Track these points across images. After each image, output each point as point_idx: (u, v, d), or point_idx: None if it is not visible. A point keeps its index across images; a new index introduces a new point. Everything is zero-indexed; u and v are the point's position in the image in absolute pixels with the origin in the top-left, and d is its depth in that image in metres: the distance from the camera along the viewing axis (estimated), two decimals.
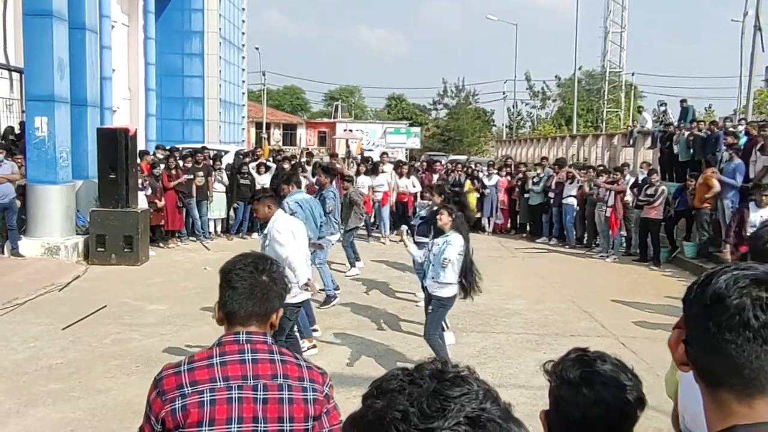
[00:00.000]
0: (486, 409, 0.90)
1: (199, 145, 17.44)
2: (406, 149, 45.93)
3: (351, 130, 49.37)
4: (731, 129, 15.60)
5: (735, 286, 1.15)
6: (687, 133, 16.44)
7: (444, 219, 6.36)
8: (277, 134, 54.24)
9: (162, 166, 13.65)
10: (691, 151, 15.91)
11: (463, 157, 30.45)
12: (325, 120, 59.99)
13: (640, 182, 14.41)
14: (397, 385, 0.94)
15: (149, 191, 12.79)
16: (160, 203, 13.07)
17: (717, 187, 12.17)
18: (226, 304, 2.12)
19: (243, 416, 1.97)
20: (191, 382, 1.96)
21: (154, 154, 14.93)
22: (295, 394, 2.03)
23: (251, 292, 2.10)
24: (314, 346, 7.22)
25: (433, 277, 6.38)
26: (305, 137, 56.45)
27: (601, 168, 16.56)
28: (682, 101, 20.55)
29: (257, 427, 1.98)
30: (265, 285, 2.12)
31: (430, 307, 6.40)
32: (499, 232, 17.21)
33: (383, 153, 21.00)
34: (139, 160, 12.85)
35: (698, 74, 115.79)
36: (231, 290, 2.11)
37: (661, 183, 13.90)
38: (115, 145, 11.68)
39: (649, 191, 13.39)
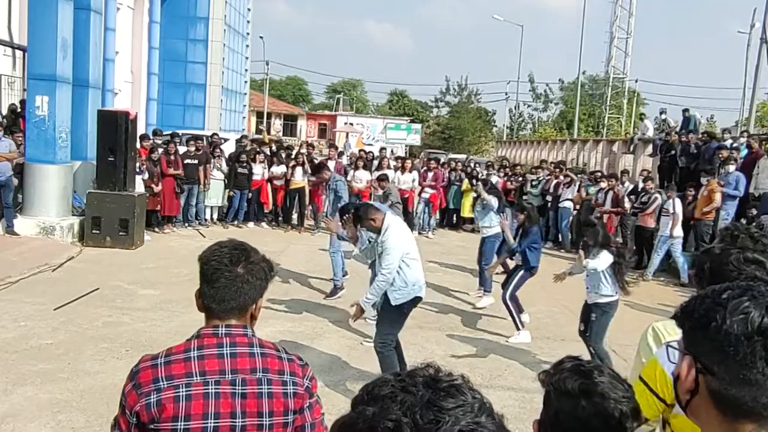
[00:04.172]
0: (481, 422, 0.88)
1: (200, 132, 17.44)
2: (406, 145, 45.88)
3: (352, 124, 49.35)
4: (723, 143, 15.59)
5: None
6: (681, 145, 16.47)
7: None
8: (277, 124, 54.18)
9: (160, 150, 13.61)
10: (695, 162, 15.91)
11: (463, 156, 30.41)
12: (327, 112, 59.95)
13: (639, 190, 14.43)
14: (389, 392, 0.91)
15: (146, 175, 12.77)
16: (157, 188, 13.06)
17: (718, 201, 12.20)
18: (204, 298, 2.08)
19: (220, 411, 1.94)
20: (167, 376, 1.93)
21: (153, 138, 14.88)
22: (274, 388, 2.01)
23: (226, 287, 2.04)
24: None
25: (588, 289, 6.54)
26: (306, 129, 56.42)
27: (599, 174, 16.59)
28: (685, 110, 20.56)
29: (235, 422, 1.95)
30: (241, 278, 2.05)
31: (593, 315, 6.48)
32: None
33: (382, 148, 20.99)
34: (138, 144, 12.83)
35: (702, 84, 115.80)
36: (207, 284, 2.07)
37: (656, 191, 13.92)
38: (115, 128, 11.65)
39: (643, 198, 13.42)
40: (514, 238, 8.57)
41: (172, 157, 13.65)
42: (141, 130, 15.59)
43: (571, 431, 1.75)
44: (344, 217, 6.20)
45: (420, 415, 0.87)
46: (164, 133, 15.66)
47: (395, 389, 0.91)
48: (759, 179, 12.55)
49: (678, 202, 12.70)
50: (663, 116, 22.04)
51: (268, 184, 15.43)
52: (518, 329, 7.96)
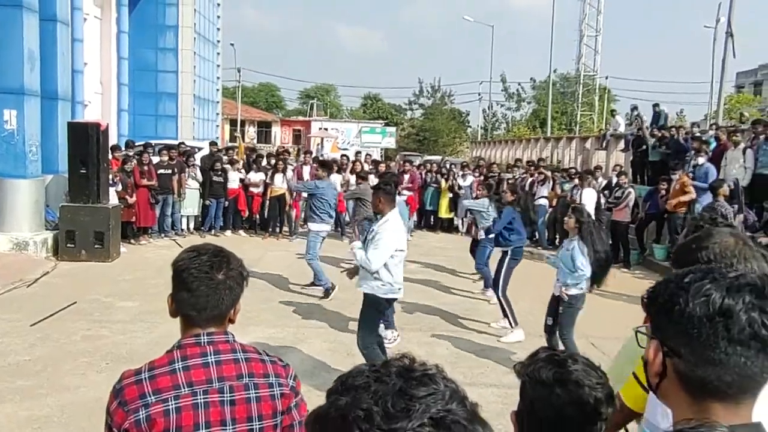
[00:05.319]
0: (452, 410, 0.89)
1: (172, 141, 17.31)
2: (381, 149, 45.90)
3: (326, 129, 49.25)
4: (698, 134, 15.85)
5: (740, 298, 1.15)
6: (654, 139, 16.66)
7: (570, 224, 6.52)
8: (251, 132, 53.96)
9: (133, 161, 13.48)
10: (667, 156, 16.11)
11: (438, 158, 30.51)
12: (300, 118, 59.79)
13: (612, 185, 14.59)
14: (362, 382, 0.92)
15: (120, 187, 12.66)
16: (131, 199, 12.95)
17: (693, 193, 12.39)
18: (183, 306, 2.03)
19: (210, 420, 1.93)
20: (154, 390, 1.91)
21: (126, 149, 14.73)
22: (262, 391, 2.00)
23: (208, 294, 2.01)
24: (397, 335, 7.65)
25: (559, 279, 6.60)
26: (280, 135, 56.24)
27: (573, 170, 16.73)
28: (654, 105, 20.79)
29: (226, 429, 1.94)
30: (222, 285, 2.02)
31: (560, 307, 6.57)
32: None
33: (357, 152, 21.03)
34: (110, 156, 12.72)
35: (671, 79, 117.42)
36: (187, 292, 2.01)
37: (630, 185, 14.09)
38: (86, 140, 11.54)
39: (617, 193, 13.58)
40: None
41: (146, 168, 13.54)
42: (113, 141, 15.45)
43: (546, 420, 1.77)
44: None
45: (391, 404, 0.87)
46: (137, 144, 15.51)
47: (369, 379, 0.92)
48: (727, 170, 12.72)
49: (587, 192, 13.33)
50: (635, 112, 22.24)
51: (245, 191, 15.38)
52: (511, 326, 8.08)
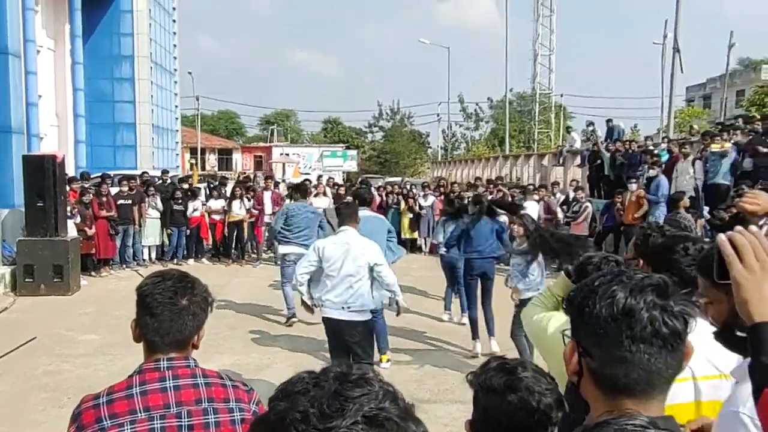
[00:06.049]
0: (384, 408, 0.92)
1: (132, 172, 17.20)
2: (343, 172, 45.97)
3: (287, 154, 49.17)
4: (650, 147, 16.27)
5: (642, 298, 1.23)
6: (609, 154, 17.03)
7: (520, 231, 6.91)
8: (212, 159, 53.68)
9: (91, 193, 13.33)
10: (621, 170, 16.47)
11: (398, 179, 30.70)
12: (261, 144, 59.71)
13: (570, 200, 14.85)
14: (301, 388, 0.96)
15: (78, 219, 12.51)
16: (90, 231, 12.80)
17: (647, 206, 12.72)
18: (146, 331, 2.04)
19: None
20: (110, 415, 1.91)
21: (82, 182, 14.58)
22: (221, 416, 2.01)
23: (172, 320, 2.02)
24: (388, 360, 7.57)
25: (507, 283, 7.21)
26: (241, 162, 56.04)
27: (531, 187, 17.01)
28: (608, 121, 21.26)
29: None
30: (186, 310, 2.03)
31: (516, 309, 6.92)
32: (436, 252, 17.35)
33: (320, 176, 21.08)
34: (67, 188, 12.58)
35: (625, 95, 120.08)
36: (151, 317, 2.02)
37: (587, 200, 14.37)
38: (42, 173, 11.40)
39: (575, 208, 13.84)
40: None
41: (104, 199, 13.42)
42: (71, 173, 15.29)
43: (499, 426, 1.83)
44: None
45: (327, 405, 0.91)
46: (93, 176, 15.36)
47: (308, 385, 0.96)
48: (678, 182, 13.06)
49: (533, 204, 13.56)
50: (591, 128, 22.71)
51: (207, 218, 15.33)
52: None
